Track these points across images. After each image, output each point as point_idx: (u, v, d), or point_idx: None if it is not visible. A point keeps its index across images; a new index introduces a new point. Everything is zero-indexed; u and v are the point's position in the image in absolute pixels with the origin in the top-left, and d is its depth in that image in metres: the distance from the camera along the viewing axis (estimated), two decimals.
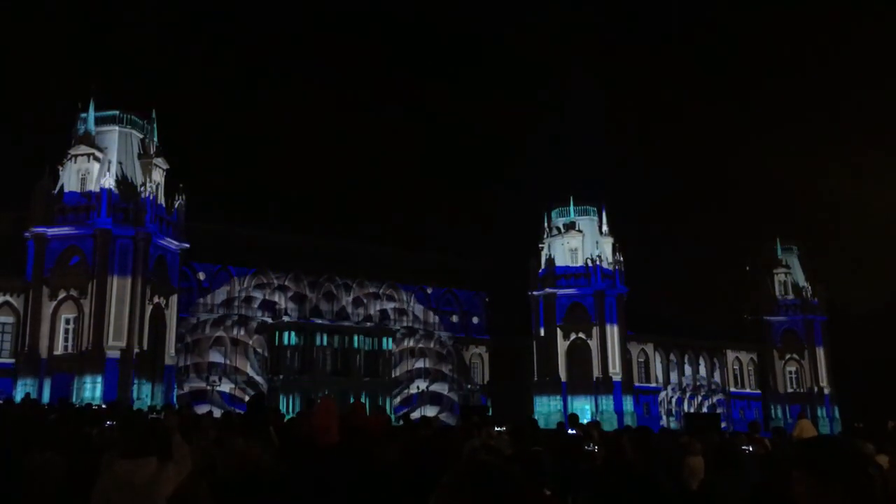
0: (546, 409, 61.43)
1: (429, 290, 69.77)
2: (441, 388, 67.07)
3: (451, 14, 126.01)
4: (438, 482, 2.02)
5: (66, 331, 47.26)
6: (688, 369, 72.99)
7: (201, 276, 59.81)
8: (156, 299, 49.32)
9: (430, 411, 55.83)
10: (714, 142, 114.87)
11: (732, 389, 74.51)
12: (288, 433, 9.95)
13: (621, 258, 65.88)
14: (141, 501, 4.49)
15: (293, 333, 60.25)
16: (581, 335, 64.43)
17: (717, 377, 74.50)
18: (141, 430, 5.13)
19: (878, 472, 9.41)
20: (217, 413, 27.10)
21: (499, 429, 15.62)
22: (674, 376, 72.06)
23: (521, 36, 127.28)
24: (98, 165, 49.11)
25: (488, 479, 1.98)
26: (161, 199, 50.78)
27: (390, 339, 64.21)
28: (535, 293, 66.07)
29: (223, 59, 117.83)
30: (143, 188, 49.21)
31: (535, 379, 64.88)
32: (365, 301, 66.54)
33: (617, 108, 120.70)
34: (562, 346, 64.64)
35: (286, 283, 63.44)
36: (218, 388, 56.33)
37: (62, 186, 49.33)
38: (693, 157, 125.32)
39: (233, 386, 57.03)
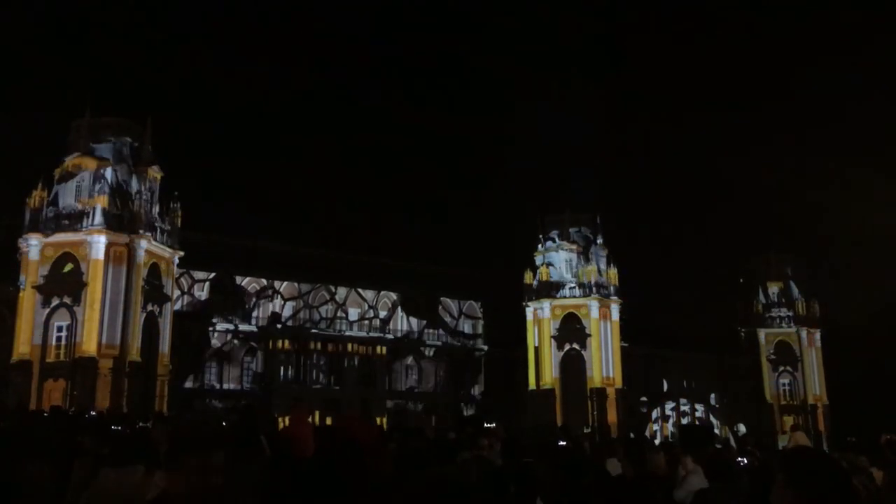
0: (539, 420, 61.16)
1: (423, 300, 69.72)
2: (435, 397, 66.95)
3: (445, 16, 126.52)
4: (397, 498, 1.99)
5: (59, 338, 47.00)
6: (682, 380, 72.96)
7: (195, 284, 59.76)
8: (149, 307, 49.18)
9: (424, 421, 55.65)
10: (709, 152, 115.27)
11: (726, 401, 74.45)
12: (279, 443, 9.90)
13: (616, 269, 65.85)
14: None
15: (287, 342, 60.09)
16: (575, 346, 64.29)
17: (711, 388, 74.47)
18: (128, 438, 5.10)
19: (872, 483, 9.40)
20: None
21: None
22: (668, 387, 72.00)
23: (516, 42, 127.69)
24: (92, 173, 49.02)
25: (447, 497, 1.94)
26: (155, 207, 50.70)
27: (384, 348, 64.10)
28: (528, 303, 65.98)
29: (220, 66, 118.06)
30: (137, 196, 49.15)
31: (530, 390, 64.71)
32: (359, 310, 66.53)
33: (613, 118, 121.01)
34: (556, 356, 64.48)
35: (280, 291, 63.45)
36: (211, 397, 56.16)
37: (56, 194, 49.24)
38: (688, 167, 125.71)
39: (226, 394, 56.84)
